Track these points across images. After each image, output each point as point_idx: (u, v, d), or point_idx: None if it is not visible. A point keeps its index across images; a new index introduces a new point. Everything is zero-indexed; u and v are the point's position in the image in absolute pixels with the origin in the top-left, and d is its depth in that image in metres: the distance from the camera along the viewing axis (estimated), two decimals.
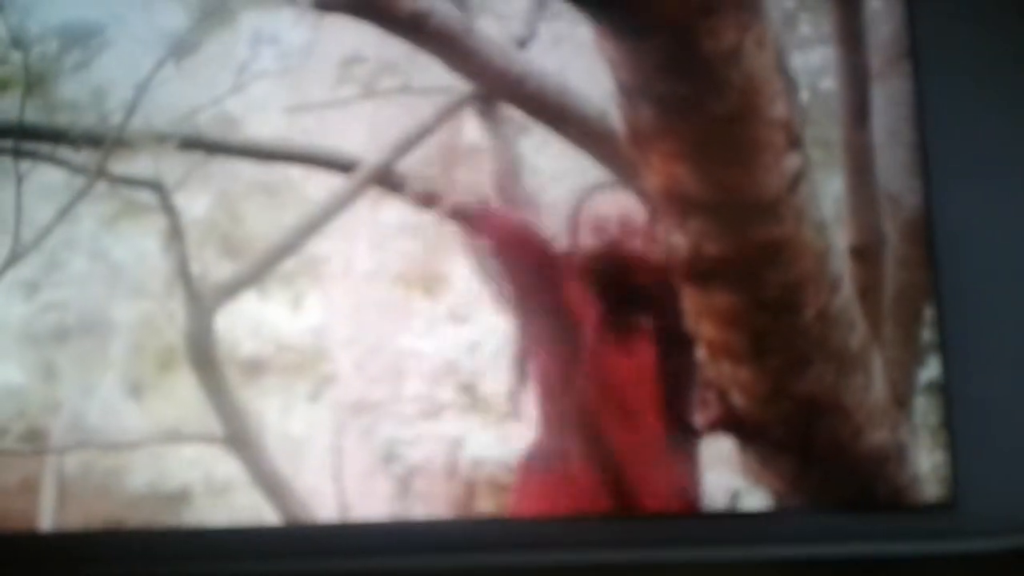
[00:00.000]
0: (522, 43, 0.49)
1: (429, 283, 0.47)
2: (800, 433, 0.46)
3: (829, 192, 0.48)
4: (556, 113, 0.48)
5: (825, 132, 0.48)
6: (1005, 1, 0.49)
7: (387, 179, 0.48)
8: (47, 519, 0.46)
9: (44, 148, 0.49)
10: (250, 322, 0.48)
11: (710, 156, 0.45)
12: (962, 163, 0.48)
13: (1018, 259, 0.47)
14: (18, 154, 0.49)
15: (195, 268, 0.48)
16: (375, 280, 0.47)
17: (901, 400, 0.46)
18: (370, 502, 0.46)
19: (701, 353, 0.46)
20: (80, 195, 0.48)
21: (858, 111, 0.49)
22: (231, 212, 0.48)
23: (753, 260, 0.46)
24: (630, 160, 0.47)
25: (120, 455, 0.47)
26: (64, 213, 0.48)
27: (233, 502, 0.46)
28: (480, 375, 0.47)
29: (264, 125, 0.49)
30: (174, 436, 0.47)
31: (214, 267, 0.48)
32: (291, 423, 0.47)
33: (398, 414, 0.46)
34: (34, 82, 0.49)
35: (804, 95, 0.48)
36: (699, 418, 0.46)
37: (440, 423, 0.46)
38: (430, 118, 0.49)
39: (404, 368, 0.47)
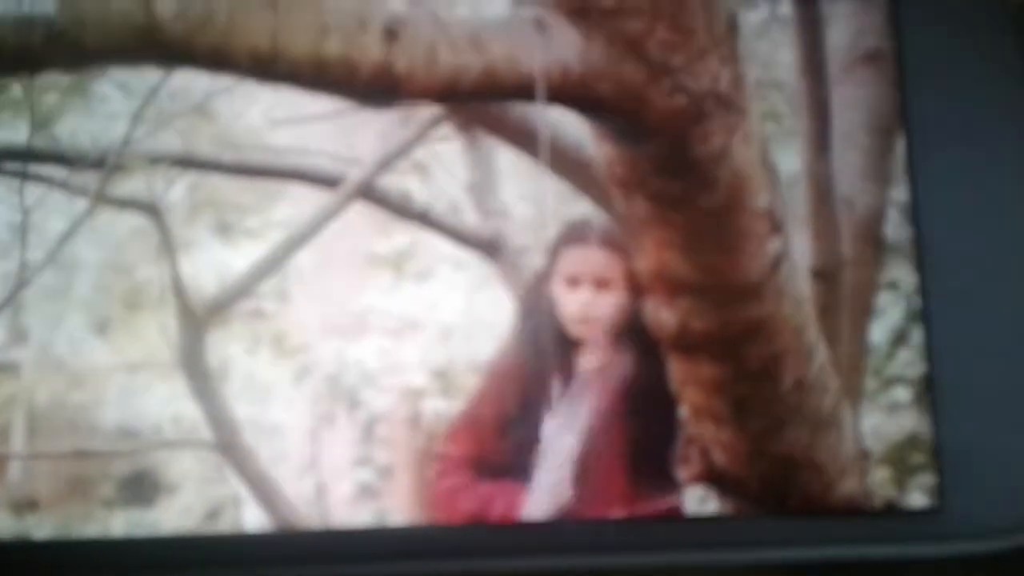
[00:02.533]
0: None
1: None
2: (776, 488, 0.51)
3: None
4: (529, 138, 0.52)
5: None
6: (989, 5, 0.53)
7: (370, 193, 0.52)
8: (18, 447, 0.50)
9: (46, 170, 0.51)
10: (215, 268, 0.51)
11: (699, 244, 0.50)
12: (946, 162, 0.52)
13: (1004, 260, 0.51)
14: (25, 177, 0.51)
15: (187, 284, 0.51)
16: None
17: (852, 394, 0.52)
18: (335, 448, 0.50)
19: (685, 413, 0.51)
20: (83, 218, 0.51)
21: (820, 140, 0.53)
22: (222, 227, 0.51)
23: (736, 336, 0.50)
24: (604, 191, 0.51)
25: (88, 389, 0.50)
26: (67, 237, 0.50)
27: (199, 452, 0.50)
28: (445, 334, 0.51)
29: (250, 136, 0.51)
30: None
31: (205, 282, 0.51)
32: (257, 369, 0.51)
33: (361, 365, 0.50)
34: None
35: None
36: (681, 472, 0.51)
37: (403, 376, 0.50)
38: (412, 133, 0.52)
39: (368, 323, 0.51)
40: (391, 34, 0.45)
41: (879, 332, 0.53)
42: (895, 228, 0.53)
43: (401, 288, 0.51)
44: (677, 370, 0.51)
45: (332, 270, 0.51)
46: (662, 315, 0.51)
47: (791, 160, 0.53)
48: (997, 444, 0.49)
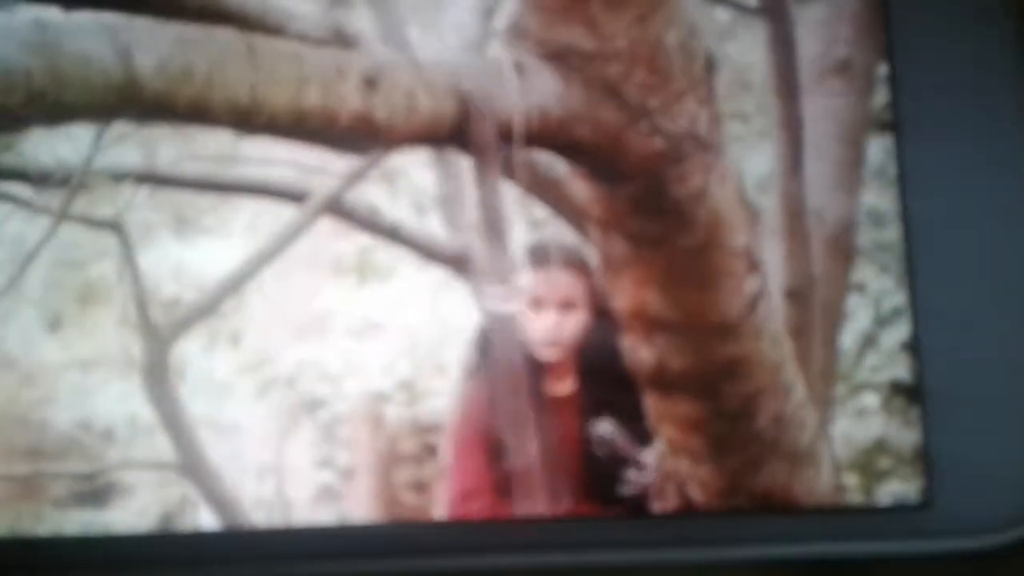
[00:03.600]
0: None
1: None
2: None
3: None
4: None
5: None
6: (982, 6, 0.54)
7: (337, 208, 0.52)
8: None
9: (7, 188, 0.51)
10: (172, 265, 0.51)
11: (677, 283, 0.51)
12: (932, 164, 0.53)
13: (994, 264, 0.52)
14: None
15: (150, 303, 0.51)
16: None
17: (825, 409, 0.53)
18: (295, 448, 0.51)
19: (661, 448, 0.52)
20: (46, 238, 0.51)
21: (793, 160, 0.54)
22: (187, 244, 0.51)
23: (714, 374, 0.52)
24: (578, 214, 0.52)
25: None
26: (31, 258, 0.51)
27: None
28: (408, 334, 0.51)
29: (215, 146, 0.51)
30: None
31: (169, 301, 0.51)
32: (214, 367, 0.51)
33: (321, 366, 0.51)
34: None
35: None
36: (656, 506, 0.52)
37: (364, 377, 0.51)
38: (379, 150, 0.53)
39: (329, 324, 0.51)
40: (370, 83, 0.46)
41: (847, 337, 0.54)
42: (863, 232, 0.53)
43: (363, 289, 0.51)
44: (654, 407, 0.52)
45: (292, 271, 0.52)
46: (640, 353, 0.52)
47: (760, 162, 0.53)
48: (985, 440, 0.50)
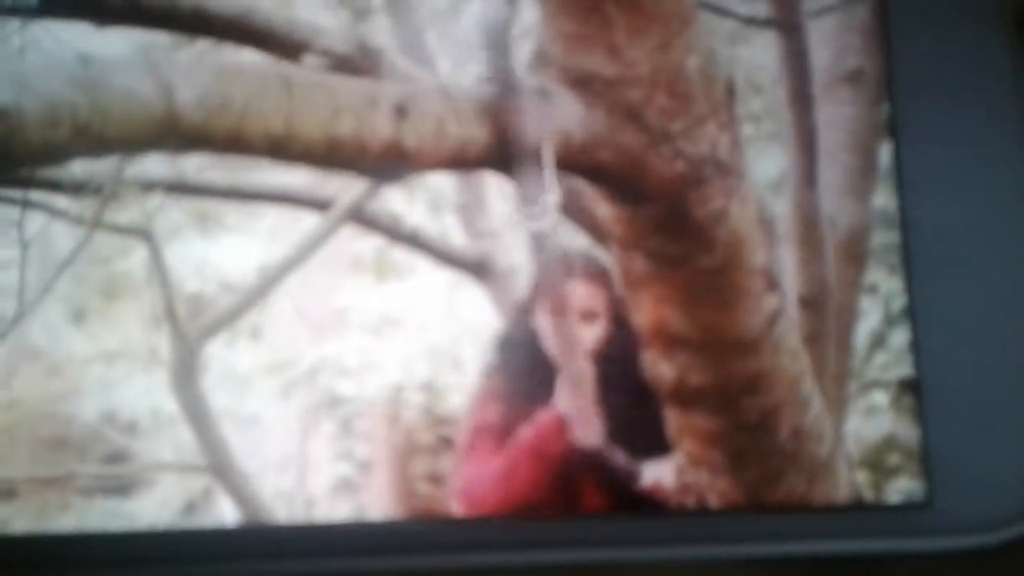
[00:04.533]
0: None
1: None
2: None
3: None
4: None
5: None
6: (980, 13, 0.56)
7: (359, 216, 0.54)
8: None
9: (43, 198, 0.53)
10: (196, 262, 0.53)
11: (697, 301, 0.53)
12: (932, 167, 0.55)
13: (993, 264, 0.54)
14: (26, 205, 0.53)
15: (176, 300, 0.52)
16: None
17: (837, 408, 0.55)
18: (314, 442, 0.52)
19: (681, 460, 0.54)
20: (80, 247, 0.52)
21: (808, 172, 0.56)
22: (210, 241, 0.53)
23: (734, 389, 0.53)
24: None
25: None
26: (64, 266, 0.52)
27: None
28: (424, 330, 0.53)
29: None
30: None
31: (192, 296, 0.52)
32: (236, 362, 0.52)
33: (339, 361, 0.52)
34: None
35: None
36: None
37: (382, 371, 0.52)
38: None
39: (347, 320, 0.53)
40: (401, 111, 0.48)
41: (858, 336, 0.55)
42: (875, 233, 0.55)
43: (381, 287, 0.53)
44: (674, 421, 0.54)
45: (312, 270, 0.53)
46: (660, 368, 0.53)
47: (770, 164, 0.55)
48: (985, 438, 0.52)
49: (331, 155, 0.48)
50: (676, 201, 0.51)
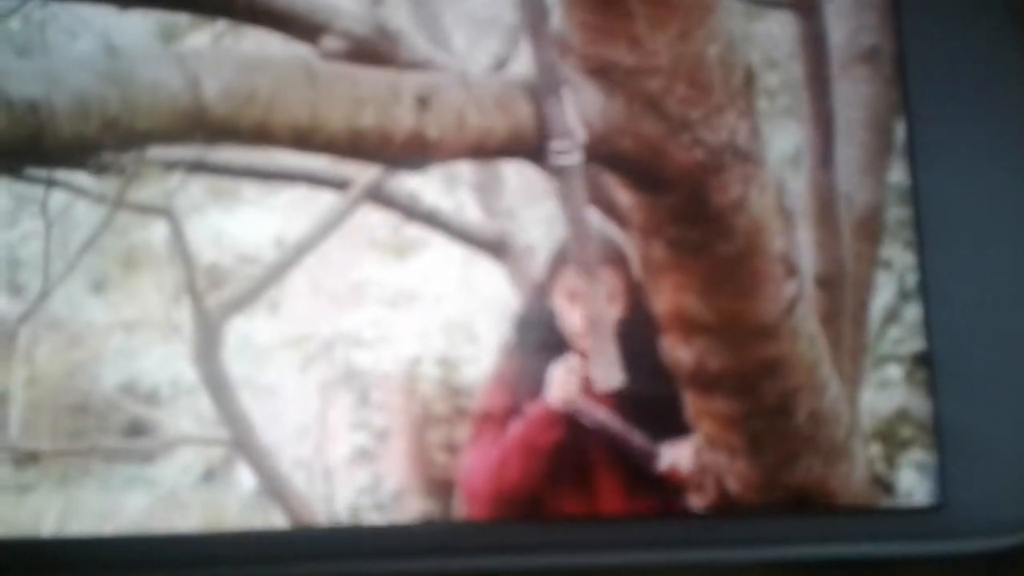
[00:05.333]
0: (499, 65, 0.55)
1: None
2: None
3: None
4: None
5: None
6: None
7: (378, 195, 0.55)
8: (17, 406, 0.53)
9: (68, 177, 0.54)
10: (213, 232, 0.54)
11: (716, 288, 0.54)
12: (945, 144, 0.56)
13: (1007, 259, 0.55)
14: (50, 184, 0.54)
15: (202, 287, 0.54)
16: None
17: (852, 385, 0.56)
18: (334, 411, 0.53)
19: (699, 442, 0.55)
20: (103, 227, 0.54)
21: (824, 152, 0.57)
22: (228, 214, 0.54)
23: (752, 373, 0.54)
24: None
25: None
26: (88, 247, 0.54)
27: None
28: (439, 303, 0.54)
29: None
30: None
31: (219, 284, 0.54)
32: (255, 333, 0.54)
33: (357, 333, 0.54)
34: None
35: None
36: (695, 499, 0.55)
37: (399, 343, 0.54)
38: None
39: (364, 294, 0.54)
40: (423, 102, 0.49)
41: (872, 311, 0.57)
42: (889, 209, 0.56)
43: (398, 261, 0.54)
44: (693, 404, 0.55)
45: (330, 245, 0.55)
46: (679, 353, 0.55)
47: (785, 140, 0.56)
48: (1000, 441, 0.53)
49: (354, 146, 0.49)
50: (696, 189, 0.52)
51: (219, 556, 0.51)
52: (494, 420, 0.54)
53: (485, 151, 0.51)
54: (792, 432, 0.55)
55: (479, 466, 0.54)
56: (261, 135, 0.48)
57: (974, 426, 0.53)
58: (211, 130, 0.48)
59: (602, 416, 0.53)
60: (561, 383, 0.53)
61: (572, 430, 0.54)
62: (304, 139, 0.48)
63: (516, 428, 0.54)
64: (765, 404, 0.55)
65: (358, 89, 0.49)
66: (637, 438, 0.53)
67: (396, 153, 0.50)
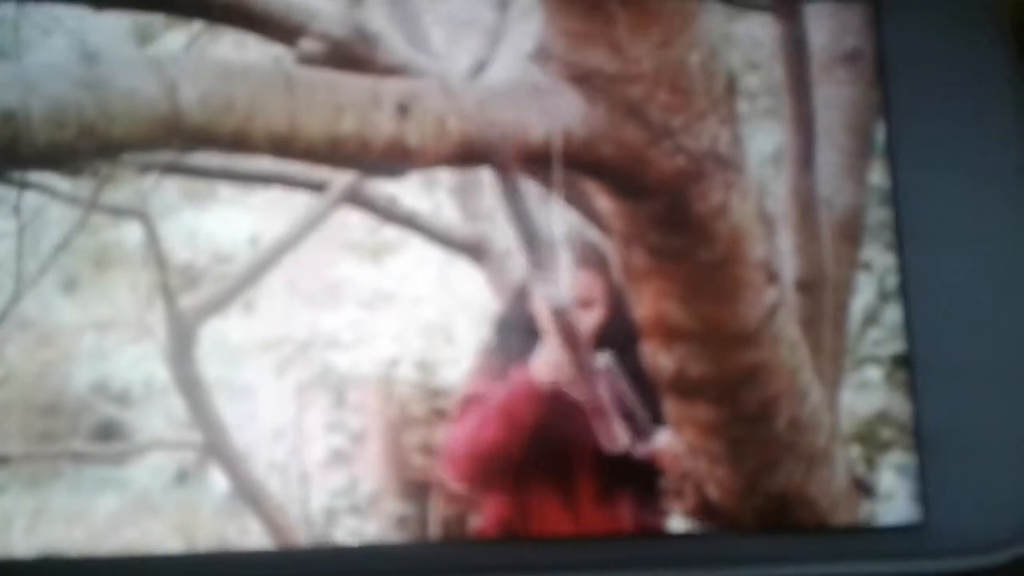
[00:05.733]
0: (480, 67, 0.55)
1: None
2: (770, 523, 0.55)
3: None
4: None
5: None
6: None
7: (356, 197, 0.54)
8: None
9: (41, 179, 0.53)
10: (187, 231, 0.53)
11: (697, 295, 0.54)
12: (925, 145, 0.56)
13: (987, 260, 0.55)
14: (23, 186, 0.53)
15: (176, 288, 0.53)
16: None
17: (832, 387, 0.56)
18: (310, 413, 0.53)
19: (680, 447, 0.55)
20: (77, 228, 0.53)
21: (805, 157, 0.57)
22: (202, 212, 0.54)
23: (733, 380, 0.54)
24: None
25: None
26: (61, 248, 0.53)
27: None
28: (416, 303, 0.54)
29: None
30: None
31: (194, 284, 0.53)
32: (229, 333, 0.53)
33: (333, 334, 0.53)
34: None
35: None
36: (675, 506, 0.55)
37: (376, 345, 0.53)
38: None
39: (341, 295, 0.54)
40: (403, 109, 0.49)
41: (852, 312, 0.57)
42: (869, 211, 0.57)
43: (374, 262, 0.54)
44: (673, 411, 0.55)
45: (306, 245, 0.54)
46: (659, 360, 0.54)
47: (766, 141, 0.56)
48: (981, 459, 0.53)
49: (334, 153, 0.49)
50: (677, 196, 0.52)
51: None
52: (476, 402, 0.54)
53: (467, 158, 0.50)
54: (773, 439, 0.55)
55: (458, 433, 0.53)
56: (239, 142, 0.48)
57: (955, 430, 0.53)
58: (188, 137, 0.48)
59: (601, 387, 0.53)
60: (549, 360, 0.53)
61: (554, 410, 0.54)
62: (283, 146, 0.48)
63: (498, 394, 0.54)
64: (746, 411, 0.55)
65: (337, 96, 0.49)
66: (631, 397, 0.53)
67: (376, 160, 0.49)
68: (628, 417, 0.54)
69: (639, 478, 0.54)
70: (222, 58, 0.52)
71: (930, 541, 0.52)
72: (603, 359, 0.54)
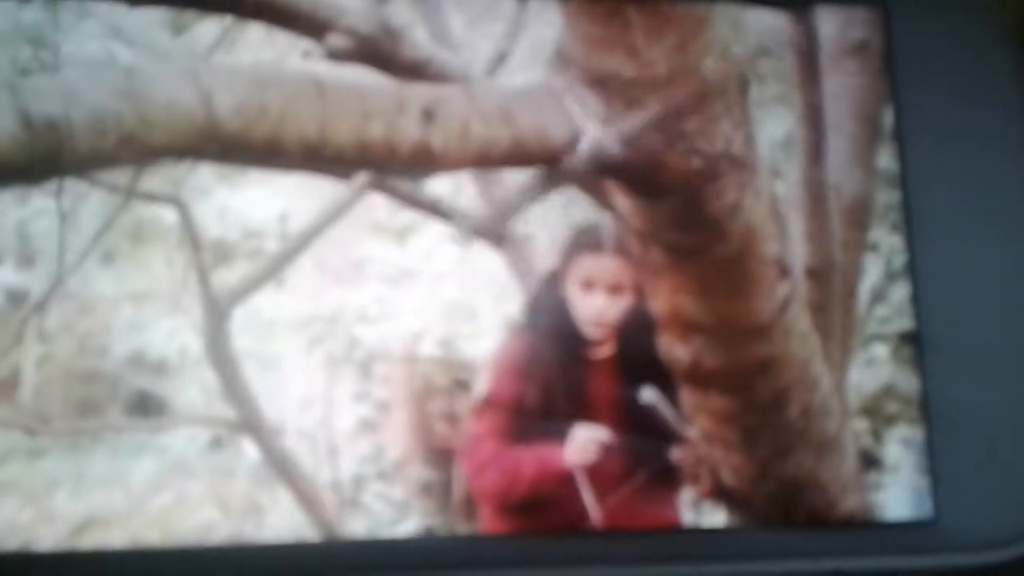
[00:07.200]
0: (500, 59, 0.56)
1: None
2: (782, 506, 0.57)
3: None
4: None
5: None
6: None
7: (382, 184, 0.55)
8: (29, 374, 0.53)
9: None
10: (219, 209, 0.54)
11: (712, 290, 0.55)
12: (934, 140, 0.58)
13: (996, 246, 0.57)
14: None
15: (211, 273, 0.54)
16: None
17: (840, 370, 0.57)
18: (338, 385, 0.54)
19: (695, 434, 0.57)
20: (116, 214, 0.54)
21: (815, 148, 0.59)
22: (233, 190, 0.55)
23: (746, 371, 0.56)
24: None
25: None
26: (100, 235, 0.54)
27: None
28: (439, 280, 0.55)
29: None
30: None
31: (227, 271, 0.54)
32: (260, 310, 0.54)
33: (360, 310, 0.55)
34: None
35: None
36: (691, 490, 0.57)
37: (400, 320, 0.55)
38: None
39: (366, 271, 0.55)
40: (428, 115, 0.51)
41: (860, 291, 0.58)
42: (877, 194, 0.58)
43: (399, 239, 0.56)
44: (689, 400, 0.56)
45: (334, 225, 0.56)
46: (675, 351, 0.56)
47: (777, 126, 0.58)
48: (992, 456, 0.54)
49: (362, 158, 0.50)
50: (692, 196, 0.53)
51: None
52: (500, 407, 0.55)
53: (489, 162, 0.52)
54: (785, 427, 0.56)
55: (489, 466, 0.55)
56: (272, 149, 0.49)
57: (966, 442, 0.54)
58: (224, 144, 0.49)
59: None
60: (581, 447, 0.54)
61: (575, 493, 0.55)
62: (313, 152, 0.49)
63: (529, 463, 0.55)
64: (759, 400, 0.56)
65: (366, 102, 0.50)
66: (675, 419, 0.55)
67: (402, 164, 0.51)
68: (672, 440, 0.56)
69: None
70: (255, 65, 0.54)
71: (941, 536, 0.53)
72: (647, 394, 0.55)
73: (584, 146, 0.52)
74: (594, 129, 0.52)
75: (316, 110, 0.49)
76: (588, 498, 0.54)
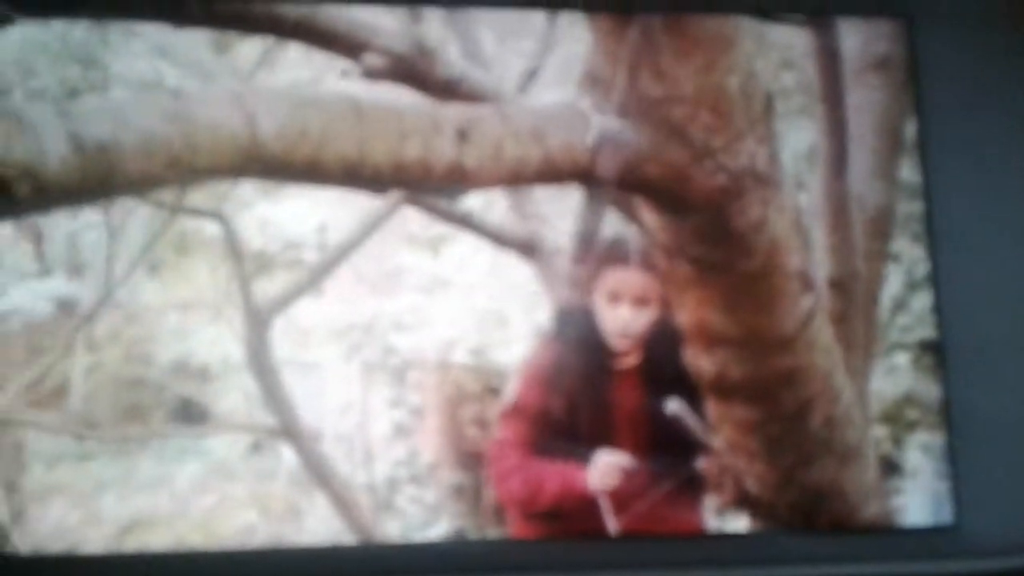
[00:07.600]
0: (530, 75, 0.58)
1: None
2: (805, 513, 0.58)
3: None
4: None
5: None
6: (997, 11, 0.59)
7: (416, 199, 0.57)
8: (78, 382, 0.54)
9: None
10: (260, 221, 0.55)
11: (737, 303, 0.56)
12: (956, 152, 0.58)
13: (1021, 277, 0.58)
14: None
15: (252, 283, 0.55)
16: None
17: (863, 378, 0.58)
18: (374, 392, 0.55)
19: (720, 444, 0.58)
20: (162, 228, 0.55)
21: (838, 161, 0.60)
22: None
23: (771, 382, 0.57)
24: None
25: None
26: (147, 248, 0.55)
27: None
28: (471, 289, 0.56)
29: None
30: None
31: (268, 282, 0.55)
32: (299, 318, 0.55)
33: (395, 318, 0.56)
34: None
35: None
36: (715, 498, 0.58)
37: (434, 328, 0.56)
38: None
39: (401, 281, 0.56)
40: (462, 134, 0.52)
41: (882, 301, 0.59)
42: (899, 205, 0.59)
43: (433, 250, 0.57)
44: (714, 410, 0.57)
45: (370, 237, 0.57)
46: (701, 363, 0.57)
47: (800, 138, 0.59)
48: (1012, 461, 0.55)
49: (398, 176, 0.52)
50: (718, 211, 0.55)
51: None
52: (527, 414, 0.56)
53: (521, 179, 0.54)
54: (808, 436, 0.57)
55: (514, 474, 0.56)
56: (312, 170, 0.51)
57: (987, 449, 0.55)
58: (266, 166, 0.51)
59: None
60: (603, 472, 0.56)
61: (597, 509, 0.56)
62: (352, 172, 0.51)
63: (552, 480, 0.56)
64: (783, 411, 0.57)
65: (402, 123, 0.52)
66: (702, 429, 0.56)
67: (437, 182, 0.52)
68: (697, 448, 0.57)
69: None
70: (295, 87, 0.55)
71: (961, 541, 0.54)
72: (673, 404, 0.56)
73: (594, 132, 0.52)
74: (603, 120, 0.53)
75: (354, 131, 0.51)
76: (610, 520, 0.55)
